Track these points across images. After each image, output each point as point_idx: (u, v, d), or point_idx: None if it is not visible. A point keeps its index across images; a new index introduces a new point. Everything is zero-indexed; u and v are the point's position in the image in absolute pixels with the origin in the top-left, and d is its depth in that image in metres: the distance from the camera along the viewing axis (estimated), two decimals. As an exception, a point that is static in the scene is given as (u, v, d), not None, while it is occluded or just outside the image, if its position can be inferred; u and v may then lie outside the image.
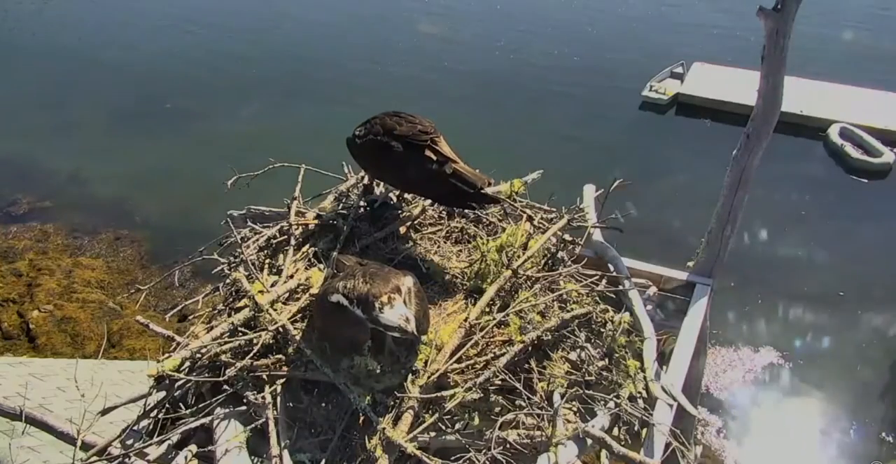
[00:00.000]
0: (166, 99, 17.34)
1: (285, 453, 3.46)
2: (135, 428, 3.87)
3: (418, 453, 3.30)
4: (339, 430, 3.59)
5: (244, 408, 3.73)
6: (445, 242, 4.78)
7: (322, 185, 5.33)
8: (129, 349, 10.26)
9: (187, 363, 3.84)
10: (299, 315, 4.05)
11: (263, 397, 3.65)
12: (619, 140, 16.14)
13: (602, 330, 4.17)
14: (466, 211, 4.96)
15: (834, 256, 12.65)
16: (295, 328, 3.86)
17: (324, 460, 3.49)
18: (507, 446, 3.51)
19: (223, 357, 3.83)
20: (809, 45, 16.83)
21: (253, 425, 3.64)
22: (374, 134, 4.44)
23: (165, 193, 14.00)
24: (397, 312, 3.28)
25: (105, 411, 3.82)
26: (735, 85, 16.42)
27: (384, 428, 3.38)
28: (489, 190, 4.40)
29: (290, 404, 3.71)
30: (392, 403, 3.54)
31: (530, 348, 3.90)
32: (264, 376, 3.73)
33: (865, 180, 14.98)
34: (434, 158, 4.33)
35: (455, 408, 3.54)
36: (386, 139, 4.37)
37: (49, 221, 13.44)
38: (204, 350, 3.82)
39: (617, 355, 4.06)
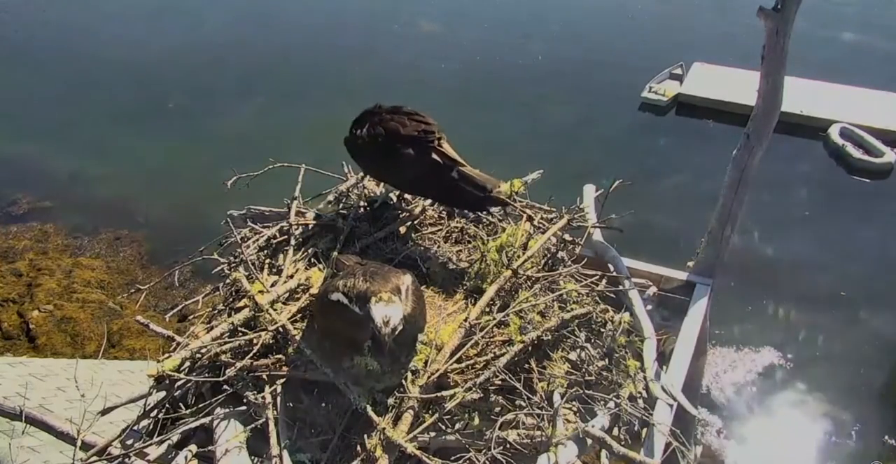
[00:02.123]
0: (166, 99, 17.34)
1: (285, 453, 3.46)
2: (135, 428, 3.87)
3: (418, 453, 3.29)
4: (339, 430, 3.58)
5: (244, 408, 3.73)
6: (445, 242, 4.78)
7: (322, 185, 5.33)
8: (129, 349, 10.27)
9: (187, 363, 3.84)
10: (299, 315, 4.05)
11: (263, 397, 3.65)
12: (619, 141, 16.15)
13: (602, 330, 4.17)
14: (468, 212, 4.96)
15: (835, 257, 12.64)
16: (295, 328, 3.85)
17: (324, 460, 3.49)
18: (507, 446, 3.51)
19: (223, 357, 3.83)
20: (809, 46, 16.83)
21: (253, 425, 3.64)
22: (376, 135, 4.41)
23: (165, 193, 14.00)
24: (383, 312, 3.27)
25: (105, 411, 3.82)
26: (735, 85, 16.42)
27: (384, 428, 3.38)
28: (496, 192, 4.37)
29: (290, 404, 3.70)
30: (392, 403, 3.54)
31: (530, 348, 3.90)
32: (264, 376, 3.72)
33: (867, 180, 14.97)
34: (441, 161, 4.32)
35: (455, 408, 3.54)
36: (390, 141, 4.35)
37: (49, 221, 13.45)
38: (204, 350, 3.81)
39: (617, 355, 4.06)
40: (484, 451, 3.41)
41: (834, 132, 15.80)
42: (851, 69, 18.08)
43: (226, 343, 3.85)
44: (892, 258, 12.55)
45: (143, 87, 17.85)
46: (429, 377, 3.57)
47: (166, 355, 3.85)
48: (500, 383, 3.66)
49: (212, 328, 4.01)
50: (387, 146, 4.34)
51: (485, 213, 4.80)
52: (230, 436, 3.62)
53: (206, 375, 3.82)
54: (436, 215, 4.98)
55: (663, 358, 4.56)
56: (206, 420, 3.73)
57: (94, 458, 3.71)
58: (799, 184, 14.31)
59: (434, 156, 4.30)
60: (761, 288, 11.77)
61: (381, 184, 5.07)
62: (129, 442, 3.78)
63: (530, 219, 4.91)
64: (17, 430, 5.40)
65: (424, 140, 4.30)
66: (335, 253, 4.38)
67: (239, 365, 3.72)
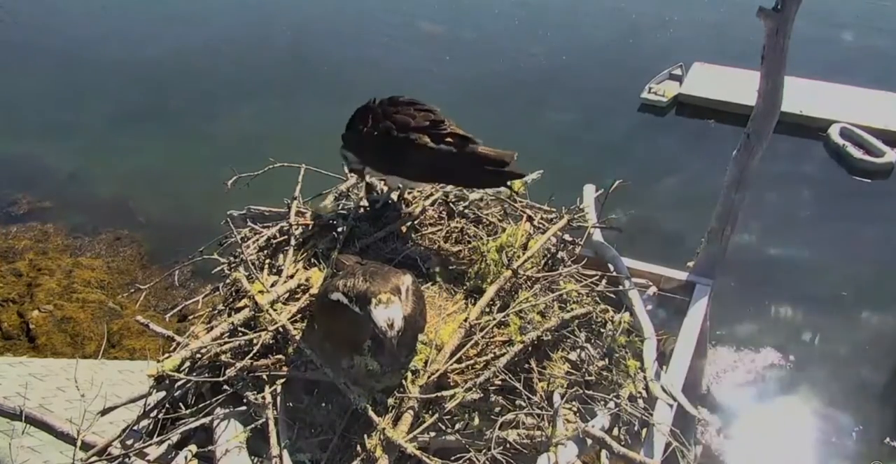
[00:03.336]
0: (167, 99, 17.33)
1: (285, 453, 3.47)
2: (135, 428, 3.87)
3: (418, 453, 3.30)
4: (339, 430, 3.59)
5: (244, 408, 3.73)
6: (445, 242, 4.78)
7: (322, 185, 5.33)
8: (129, 349, 10.26)
9: (187, 363, 3.85)
10: (299, 315, 4.05)
11: (263, 397, 3.65)
12: (619, 141, 16.13)
13: (602, 330, 4.17)
14: (467, 211, 4.97)
15: (835, 257, 12.62)
16: (295, 328, 3.85)
17: (324, 460, 3.50)
18: (507, 446, 3.51)
19: (223, 357, 3.83)
20: (809, 45, 16.81)
21: (253, 425, 3.64)
22: (385, 130, 4.37)
23: (165, 193, 13.99)
24: (385, 314, 3.27)
25: (105, 411, 3.82)
26: (735, 85, 16.41)
27: (384, 428, 3.38)
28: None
29: (290, 404, 3.71)
30: (392, 403, 3.54)
31: (530, 348, 3.90)
32: (264, 376, 3.73)
33: (867, 180, 14.95)
34: (457, 142, 4.32)
35: (455, 408, 3.54)
36: (405, 135, 4.33)
37: (49, 221, 13.43)
38: (204, 350, 3.82)
39: (617, 355, 4.07)
40: (484, 451, 3.42)
41: (834, 132, 15.78)
42: (851, 69, 18.06)
43: (226, 343, 3.86)
44: (892, 258, 12.53)
45: (143, 87, 17.84)
46: (429, 377, 3.57)
47: (166, 355, 3.86)
48: (500, 383, 3.66)
49: (212, 328, 4.01)
50: (400, 139, 4.34)
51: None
52: (230, 436, 3.62)
53: (206, 375, 3.83)
54: (436, 215, 4.98)
55: (663, 358, 4.56)
56: (206, 420, 3.73)
57: (94, 458, 3.71)
58: (799, 184, 14.28)
59: (451, 139, 4.32)
60: (761, 288, 11.75)
61: (382, 181, 5.06)
62: (129, 442, 3.79)
63: (530, 219, 4.91)
64: (17, 430, 5.38)
65: (440, 129, 4.33)
66: (335, 253, 4.38)
67: (239, 365, 3.73)
